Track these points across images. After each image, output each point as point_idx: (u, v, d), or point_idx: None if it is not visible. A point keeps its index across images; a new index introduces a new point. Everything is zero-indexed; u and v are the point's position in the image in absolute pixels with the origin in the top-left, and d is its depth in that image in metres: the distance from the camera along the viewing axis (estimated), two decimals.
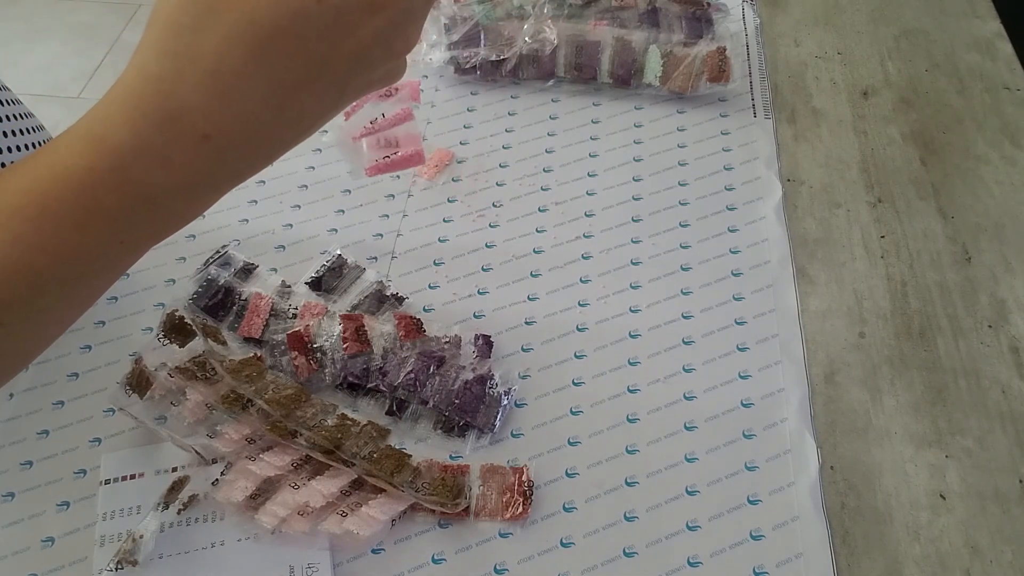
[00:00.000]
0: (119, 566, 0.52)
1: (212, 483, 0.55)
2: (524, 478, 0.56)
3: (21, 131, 0.69)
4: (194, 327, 0.61)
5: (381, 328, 0.63)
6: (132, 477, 0.57)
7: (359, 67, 0.33)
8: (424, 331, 0.63)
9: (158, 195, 0.32)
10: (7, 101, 0.69)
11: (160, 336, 0.62)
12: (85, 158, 0.30)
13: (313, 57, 0.31)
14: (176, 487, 0.55)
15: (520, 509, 0.55)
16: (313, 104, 0.33)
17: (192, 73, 0.29)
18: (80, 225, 0.31)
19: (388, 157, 0.50)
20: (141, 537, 0.52)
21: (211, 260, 0.69)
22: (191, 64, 0.29)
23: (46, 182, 0.31)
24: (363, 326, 0.63)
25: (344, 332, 0.62)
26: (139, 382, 0.60)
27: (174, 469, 0.57)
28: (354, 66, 0.32)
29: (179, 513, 0.55)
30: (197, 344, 0.61)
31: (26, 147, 0.68)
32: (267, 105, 0.31)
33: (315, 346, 0.62)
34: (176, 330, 0.63)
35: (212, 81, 0.30)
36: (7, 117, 0.67)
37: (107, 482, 0.57)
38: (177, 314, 0.63)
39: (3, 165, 0.65)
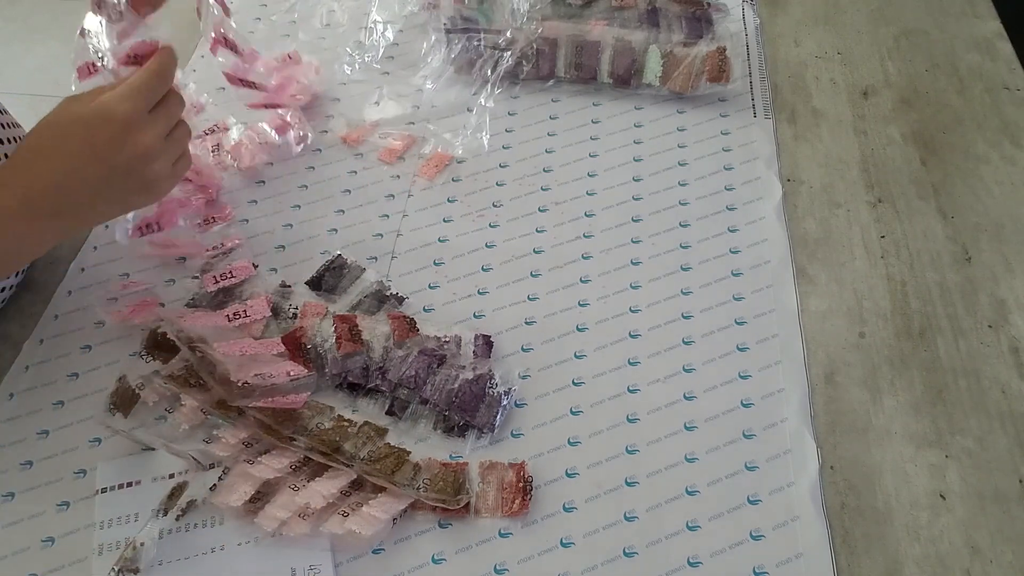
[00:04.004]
0: (120, 574, 0.51)
1: (210, 488, 0.55)
2: (523, 474, 0.56)
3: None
4: (178, 343, 0.60)
5: (381, 328, 0.63)
6: (129, 485, 0.56)
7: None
8: (417, 330, 0.63)
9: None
10: None
11: (142, 354, 0.62)
12: None
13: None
14: (175, 493, 0.54)
15: (520, 505, 0.55)
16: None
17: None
18: None
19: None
20: (142, 544, 0.51)
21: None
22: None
23: None
24: (356, 326, 0.63)
25: (337, 332, 0.62)
26: (123, 400, 0.60)
27: (171, 475, 0.56)
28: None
29: (177, 519, 0.54)
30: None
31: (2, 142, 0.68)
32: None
33: (313, 346, 0.62)
34: (159, 346, 0.62)
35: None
36: None
37: (104, 491, 0.56)
38: (159, 330, 0.62)
39: None
